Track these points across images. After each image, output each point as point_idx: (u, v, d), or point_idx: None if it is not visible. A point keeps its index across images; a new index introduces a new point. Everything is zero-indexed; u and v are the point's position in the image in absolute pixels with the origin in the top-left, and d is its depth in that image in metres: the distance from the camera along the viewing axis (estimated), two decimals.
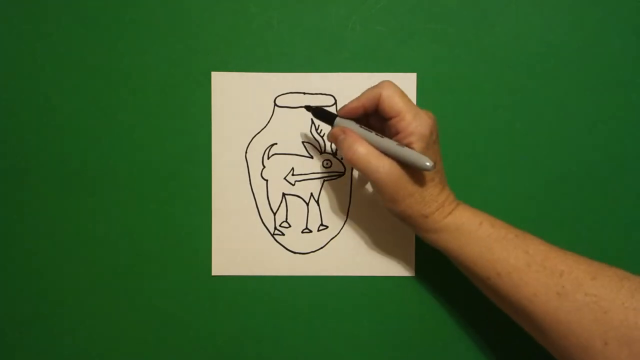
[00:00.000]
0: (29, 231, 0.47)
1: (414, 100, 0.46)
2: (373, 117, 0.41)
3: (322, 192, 0.47)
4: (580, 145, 0.46)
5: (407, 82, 0.46)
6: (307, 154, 0.47)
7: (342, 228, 0.47)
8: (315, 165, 0.47)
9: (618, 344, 0.32)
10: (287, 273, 0.47)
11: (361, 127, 0.40)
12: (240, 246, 0.47)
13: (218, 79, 0.46)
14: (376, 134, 0.39)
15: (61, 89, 0.46)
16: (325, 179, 0.47)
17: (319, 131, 0.46)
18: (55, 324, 0.47)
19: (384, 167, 0.37)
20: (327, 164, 0.47)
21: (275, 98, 0.46)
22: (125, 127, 0.47)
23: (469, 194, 0.43)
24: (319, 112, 0.43)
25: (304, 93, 0.46)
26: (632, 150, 0.46)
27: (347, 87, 0.46)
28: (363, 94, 0.40)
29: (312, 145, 0.47)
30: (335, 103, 0.46)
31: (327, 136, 0.43)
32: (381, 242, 0.47)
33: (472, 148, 0.46)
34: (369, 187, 0.47)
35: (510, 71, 0.46)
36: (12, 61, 0.46)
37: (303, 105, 0.46)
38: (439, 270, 0.47)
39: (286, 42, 0.46)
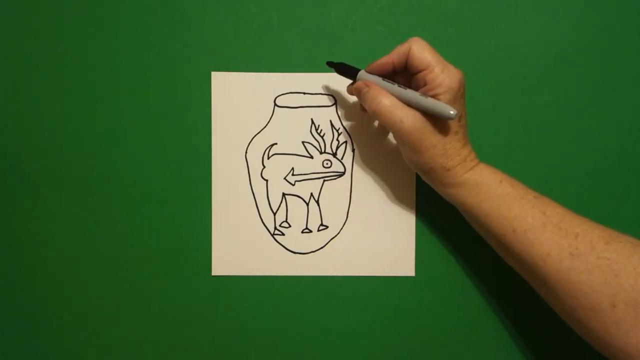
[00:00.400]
0: (28, 231, 0.47)
1: None
2: (399, 76, 0.42)
3: (322, 192, 0.47)
4: (580, 145, 0.46)
5: None
6: (307, 154, 0.47)
7: (342, 228, 0.47)
8: (315, 165, 0.47)
9: (626, 307, 0.33)
10: (287, 273, 0.47)
11: (384, 79, 0.40)
12: (240, 246, 0.47)
13: (218, 79, 0.46)
14: (399, 86, 0.39)
15: (61, 89, 0.46)
16: (325, 179, 0.47)
17: (319, 131, 0.46)
18: (55, 323, 0.47)
19: (407, 117, 0.38)
20: (327, 164, 0.47)
21: (275, 98, 0.46)
22: (126, 127, 0.47)
23: None
24: (341, 68, 0.43)
25: (304, 93, 0.46)
26: (632, 150, 0.46)
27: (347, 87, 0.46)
28: (392, 51, 0.40)
29: (312, 145, 0.47)
30: (335, 103, 0.46)
31: (350, 89, 0.43)
32: (381, 242, 0.47)
33: (472, 147, 0.46)
34: (369, 186, 0.47)
35: (510, 71, 0.46)
36: (12, 61, 0.46)
37: (303, 105, 0.46)
38: (439, 270, 0.47)
39: (286, 42, 0.46)
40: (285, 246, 0.47)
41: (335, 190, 0.47)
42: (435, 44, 0.46)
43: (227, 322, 0.47)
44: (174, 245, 0.47)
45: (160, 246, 0.47)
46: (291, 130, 0.47)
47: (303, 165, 0.47)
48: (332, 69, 0.44)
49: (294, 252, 0.47)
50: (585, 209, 0.46)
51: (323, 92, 0.46)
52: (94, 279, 0.47)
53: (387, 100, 0.39)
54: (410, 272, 0.47)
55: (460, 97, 0.38)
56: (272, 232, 0.47)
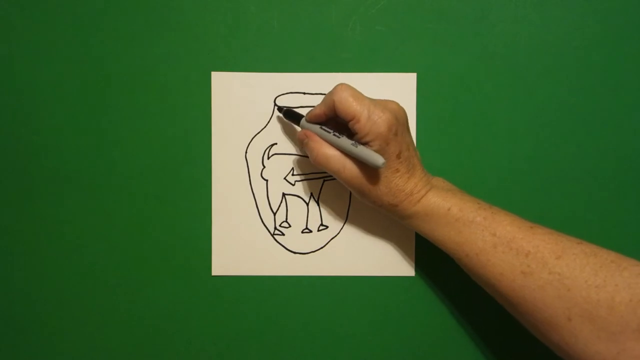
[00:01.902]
0: (28, 231, 0.47)
1: (414, 101, 0.46)
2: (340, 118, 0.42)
3: (322, 192, 0.47)
4: (580, 145, 0.46)
5: (407, 82, 0.46)
6: (307, 154, 0.47)
7: (342, 228, 0.47)
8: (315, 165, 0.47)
9: (581, 320, 0.33)
10: (287, 273, 0.47)
11: (321, 127, 0.41)
12: (240, 246, 0.47)
13: (218, 79, 0.46)
14: (334, 134, 0.40)
15: (61, 89, 0.46)
16: (325, 179, 0.47)
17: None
18: (55, 323, 0.47)
19: (344, 166, 0.40)
20: None
21: (275, 98, 0.46)
22: (126, 127, 0.47)
23: (468, 193, 0.43)
24: (287, 113, 0.44)
25: (304, 93, 0.46)
26: (632, 150, 0.46)
27: None
28: (323, 100, 0.41)
29: None
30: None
31: (296, 138, 0.45)
32: (381, 242, 0.47)
33: (472, 148, 0.46)
34: None
35: (510, 71, 0.46)
36: (11, 61, 0.46)
37: (303, 105, 0.46)
38: (439, 270, 0.47)
39: (286, 42, 0.46)
40: (285, 246, 0.47)
41: (335, 190, 0.47)
42: (435, 44, 0.46)
43: (227, 322, 0.47)
44: (174, 245, 0.47)
45: (160, 246, 0.47)
46: (291, 130, 0.47)
47: (303, 165, 0.47)
48: (332, 72, 0.44)
49: (294, 252, 0.47)
50: (585, 209, 0.46)
51: (323, 92, 0.46)
52: (94, 279, 0.47)
53: (324, 150, 0.40)
54: (410, 272, 0.47)
55: (394, 136, 0.38)
56: (272, 232, 0.47)
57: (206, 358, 0.47)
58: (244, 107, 0.47)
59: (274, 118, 0.47)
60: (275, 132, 0.47)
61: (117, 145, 0.47)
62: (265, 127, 0.47)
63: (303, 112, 0.46)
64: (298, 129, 0.44)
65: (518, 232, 0.37)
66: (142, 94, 0.46)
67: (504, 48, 0.46)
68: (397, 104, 0.40)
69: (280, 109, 0.45)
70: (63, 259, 0.47)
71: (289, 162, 0.47)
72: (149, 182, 0.47)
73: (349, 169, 0.40)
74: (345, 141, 0.39)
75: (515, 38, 0.46)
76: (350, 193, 0.47)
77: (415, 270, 0.47)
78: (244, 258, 0.47)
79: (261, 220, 0.47)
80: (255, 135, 0.47)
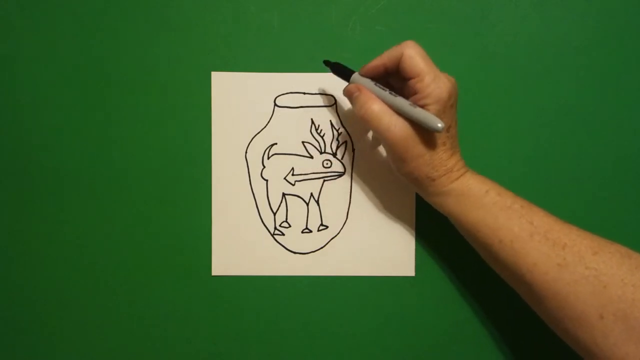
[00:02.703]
0: (28, 231, 0.47)
1: None
2: (393, 78, 0.41)
3: (322, 192, 0.47)
4: (580, 145, 0.46)
5: None
6: (307, 154, 0.47)
7: (342, 228, 0.47)
8: (315, 165, 0.47)
9: (614, 318, 0.32)
10: (287, 273, 0.47)
11: (376, 84, 0.40)
12: (240, 246, 0.47)
13: (218, 79, 0.46)
14: (390, 93, 0.39)
15: (61, 89, 0.46)
16: (325, 179, 0.47)
17: (319, 131, 0.46)
18: (55, 323, 0.47)
19: (395, 125, 0.38)
20: (327, 164, 0.47)
21: (275, 98, 0.46)
22: (126, 127, 0.47)
23: None
24: (337, 68, 0.43)
25: (304, 93, 0.46)
26: (632, 150, 0.46)
27: None
28: (385, 52, 0.39)
29: (312, 145, 0.47)
30: (336, 103, 0.46)
31: (343, 92, 0.43)
32: (381, 242, 0.47)
33: (472, 148, 0.46)
34: (369, 186, 0.47)
35: (510, 71, 0.46)
36: (11, 61, 0.46)
37: (303, 105, 0.46)
38: (439, 270, 0.47)
39: (286, 42, 0.46)
40: (285, 246, 0.47)
41: (335, 190, 0.47)
42: (435, 44, 0.46)
43: (227, 322, 0.47)
44: (174, 245, 0.47)
45: (160, 246, 0.47)
46: (291, 130, 0.47)
47: (303, 165, 0.47)
48: (329, 69, 0.44)
49: (294, 252, 0.47)
50: (585, 210, 0.46)
51: (323, 92, 0.46)
52: (94, 279, 0.47)
53: (376, 106, 0.38)
54: (410, 272, 0.47)
55: (450, 107, 0.38)
56: (272, 232, 0.47)
57: (206, 358, 0.47)
58: (244, 107, 0.47)
59: (274, 118, 0.47)
60: (275, 132, 0.47)
61: (117, 145, 0.47)
62: (265, 127, 0.47)
63: (303, 111, 0.46)
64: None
65: (555, 224, 0.36)
66: (142, 94, 0.46)
67: (504, 48, 0.46)
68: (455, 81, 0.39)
69: (328, 62, 0.43)
70: (63, 259, 0.47)
71: (289, 162, 0.47)
72: (149, 182, 0.47)
73: (399, 129, 0.37)
74: (402, 101, 0.38)
75: (515, 38, 0.46)
76: (351, 193, 0.47)
77: (415, 270, 0.47)
78: (244, 258, 0.47)
79: (261, 220, 0.47)
80: (255, 135, 0.47)
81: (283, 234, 0.47)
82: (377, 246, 0.47)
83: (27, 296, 0.47)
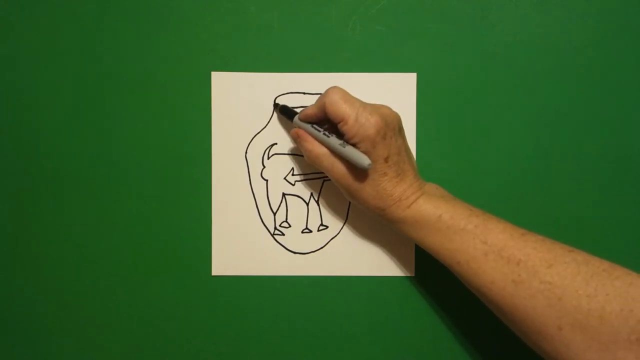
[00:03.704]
0: (28, 231, 0.47)
1: (414, 101, 0.46)
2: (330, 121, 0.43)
3: (322, 192, 0.47)
4: (580, 145, 0.46)
5: (407, 82, 0.46)
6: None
7: (342, 228, 0.47)
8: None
9: (572, 329, 0.33)
10: (287, 273, 0.47)
11: (313, 126, 0.42)
12: (240, 246, 0.47)
13: (218, 79, 0.46)
14: (324, 133, 0.41)
15: (61, 89, 0.46)
16: (325, 179, 0.47)
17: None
18: (55, 323, 0.47)
19: (333, 165, 0.40)
20: None
21: (275, 98, 0.46)
22: (126, 127, 0.47)
23: (468, 193, 0.43)
24: (284, 110, 0.45)
25: (304, 93, 0.46)
26: (632, 150, 0.46)
27: (347, 87, 0.46)
28: (316, 101, 0.42)
29: None
30: None
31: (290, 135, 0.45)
32: (381, 242, 0.47)
33: (471, 148, 0.46)
34: None
35: (510, 71, 0.46)
36: (11, 61, 0.46)
37: (303, 105, 0.46)
38: (439, 270, 0.46)
39: (286, 42, 0.46)
40: (285, 246, 0.47)
41: (335, 190, 0.47)
42: (435, 44, 0.46)
43: (227, 322, 0.47)
44: (174, 245, 0.47)
45: (160, 246, 0.47)
46: (291, 130, 0.46)
47: (303, 165, 0.47)
48: (332, 72, 0.44)
49: (294, 252, 0.47)
50: (585, 210, 0.46)
51: (323, 92, 0.46)
52: (94, 279, 0.47)
53: (317, 149, 0.41)
54: (410, 272, 0.47)
55: (382, 140, 0.39)
56: (272, 232, 0.47)
57: (206, 358, 0.47)
58: (244, 107, 0.47)
59: (274, 118, 0.47)
60: (275, 132, 0.47)
61: (117, 145, 0.47)
62: (265, 127, 0.47)
63: None
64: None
65: (509, 240, 0.37)
66: (142, 94, 0.46)
67: (504, 48, 0.46)
68: (390, 109, 0.40)
69: (276, 105, 0.46)
70: (63, 258, 0.47)
71: (289, 162, 0.47)
72: (149, 182, 0.47)
73: (338, 168, 0.40)
74: (334, 140, 0.40)
75: (515, 38, 0.46)
76: None
77: (415, 270, 0.47)
78: (244, 258, 0.47)
79: (261, 220, 0.47)
80: (255, 135, 0.47)
81: (283, 234, 0.47)
82: (377, 246, 0.47)
83: (27, 296, 0.47)
